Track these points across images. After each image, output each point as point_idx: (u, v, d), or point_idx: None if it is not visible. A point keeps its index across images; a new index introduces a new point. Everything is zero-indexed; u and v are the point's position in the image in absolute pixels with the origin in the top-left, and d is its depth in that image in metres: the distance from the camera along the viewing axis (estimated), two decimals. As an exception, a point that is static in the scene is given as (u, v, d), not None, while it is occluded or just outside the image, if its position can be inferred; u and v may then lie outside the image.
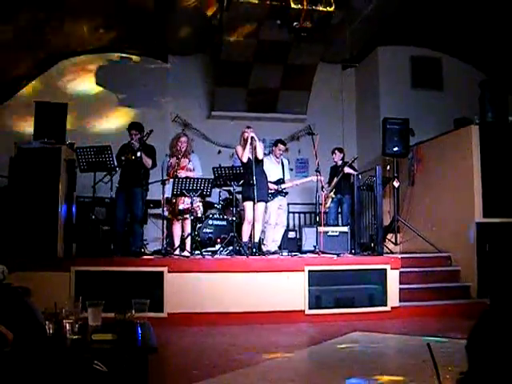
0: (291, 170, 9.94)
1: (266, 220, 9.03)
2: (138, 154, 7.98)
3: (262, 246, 8.96)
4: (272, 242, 9.08)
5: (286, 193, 9.29)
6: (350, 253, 8.60)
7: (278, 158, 9.33)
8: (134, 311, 3.73)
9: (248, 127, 8.59)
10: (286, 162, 9.54)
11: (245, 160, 8.38)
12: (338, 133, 12.55)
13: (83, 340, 3.24)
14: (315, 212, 9.12)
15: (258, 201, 8.18)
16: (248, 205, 8.34)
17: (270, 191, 8.89)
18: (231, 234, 8.28)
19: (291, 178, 9.58)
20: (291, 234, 9.90)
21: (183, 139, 8.44)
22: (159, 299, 6.85)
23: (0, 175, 8.26)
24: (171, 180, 8.02)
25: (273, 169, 9.17)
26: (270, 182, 8.95)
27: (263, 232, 9.14)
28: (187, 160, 8.39)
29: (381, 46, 11.89)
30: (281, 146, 9.35)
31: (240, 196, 8.78)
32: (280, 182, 9.16)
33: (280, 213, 9.15)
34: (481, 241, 8.26)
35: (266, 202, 8.69)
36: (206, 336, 6.32)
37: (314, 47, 11.11)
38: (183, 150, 8.34)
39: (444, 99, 11.45)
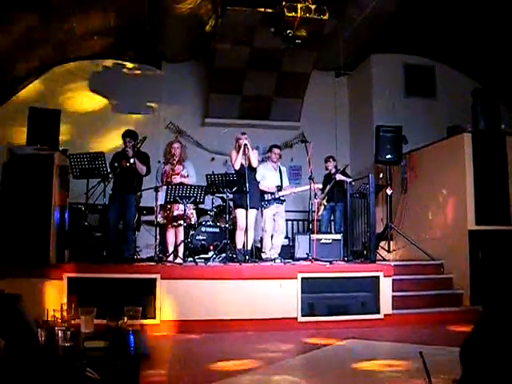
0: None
1: (262, 227, 9.02)
2: (132, 160, 7.97)
3: (262, 254, 8.95)
4: (271, 249, 9.03)
5: (284, 200, 9.22)
6: (343, 260, 8.60)
7: (274, 162, 9.26)
8: (126, 318, 3.72)
9: (243, 133, 8.59)
10: (283, 168, 9.43)
11: (237, 167, 8.40)
12: (331, 140, 12.59)
13: (75, 347, 3.23)
14: (308, 219, 9.12)
15: (249, 208, 8.17)
16: (240, 212, 8.34)
17: (267, 198, 8.89)
18: (224, 241, 8.27)
19: (289, 185, 9.51)
20: (284, 242, 9.89)
21: (176, 145, 8.43)
22: (152, 306, 6.83)
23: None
24: (164, 187, 8.01)
25: (270, 175, 9.13)
26: (267, 188, 8.96)
27: (261, 239, 9.14)
28: (181, 167, 8.39)
29: (374, 53, 11.95)
30: (275, 150, 9.26)
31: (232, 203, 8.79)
32: (278, 188, 9.10)
33: (277, 219, 9.11)
34: (473, 248, 8.28)
35: (258, 209, 8.69)
36: (199, 343, 6.30)
37: (308, 55, 11.17)
38: (177, 155, 8.34)
39: (437, 107, 11.53)
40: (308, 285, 7.36)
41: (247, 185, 8.11)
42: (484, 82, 11.14)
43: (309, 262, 8.23)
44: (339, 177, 9.78)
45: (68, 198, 8.27)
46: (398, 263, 8.62)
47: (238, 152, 8.45)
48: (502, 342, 1.86)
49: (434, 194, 9.38)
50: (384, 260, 8.93)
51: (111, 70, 11.91)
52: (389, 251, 9.63)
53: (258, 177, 8.84)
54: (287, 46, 10.00)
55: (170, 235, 8.29)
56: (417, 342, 6.18)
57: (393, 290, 7.68)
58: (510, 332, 1.87)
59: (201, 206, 8.91)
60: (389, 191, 9.82)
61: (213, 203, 10.22)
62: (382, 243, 9.67)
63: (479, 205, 8.40)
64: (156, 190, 8.15)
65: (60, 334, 3.28)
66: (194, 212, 8.48)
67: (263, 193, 8.90)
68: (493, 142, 8.64)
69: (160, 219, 8.20)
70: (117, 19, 9.99)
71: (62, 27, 9.72)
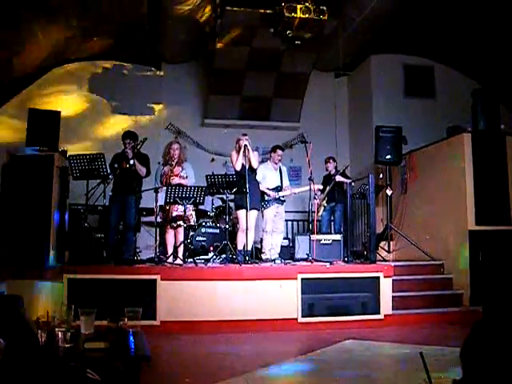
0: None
1: (263, 227, 9.01)
2: (132, 162, 7.97)
3: (262, 255, 8.94)
4: (270, 249, 8.99)
5: (284, 201, 9.19)
6: (343, 261, 8.59)
7: (276, 164, 9.23)
8: (126, 319, 3.72)
9: (244, 134, 8.57)
10: (284, 168, 9.40)
11: (238, 168, 8.38)
12: (330, 141, 12.60)
13: (76, 348, 3.23)
14: (308, 220, 9.12)
15: (250, 209, 8.16)
16: (241, 213, 8.33)
17: (267, 198, 8.89)
18: (224, 241, 8.26)
19: (289, 186, 9.46)
20: (284, 242, 9.88)
21: (175, 146, 8.43)
22: (152, 307, 6.82)
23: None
24: (164, 188, 8.01)
25: (270, 175, 9.11)
26: (268, 189, 8.95)
27: (261, 240, 9.13)
28: (180, 168, 8.38)
29: (374, 54, 11.95)
30: (279, 152, 9.23)
31: (233, 204, 8.78)
32: (278, 189, 9.10)
33: (277, 220, 9.10)
34: (473, 249, 8.28)
35: (258, 210, 8.68)
36: (199, 344, 6.30)
37: (307, 55, 11.17)
38: (176, 157, 8.33)
39: (436, 107, 11.53)
40: (308, 285, 7.37)
41: (247, 185, 8.09)
42: (483, 82, 11.14)
43: (309, 263, 8.23)
44: (338, 178, 9.77)
45: (68, 198, 8.27)
46: (398, 263, 8.63)
47: (238, 153, 8.44)
48: (502, 342, 1.86)
49: (434, 195, 9.38)
50: (384, 260, 8.93)
51: (111, 71, 11.92)
52: (389, 251, 9.63)
53: (259, 177, 8.83)
54: (287, 46, 10.01)
55: (170, 236, 8.29)
56: (417, 342, 6.19)
57: (393, 291, 7.69)
58: (510, 332, 1.87)
59: (201, 207, 8.91)
60: (389, 192, 9.83)
61: (213, 204, 10.21)
62: (382, 243, 9.68)
63: (479, 205, 8.40)
64: (156, 191, 8.14)
65: (60, 335, 3.27)
66: (194, 213, 8.48)
67: (263, 193, 8.90)
68: (492, 142, 8.64)
69: (159, 220, 8.21)
70: (116, 20, 9.98)
71: (62, 28, 9.71)
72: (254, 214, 8.46)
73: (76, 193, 8.35)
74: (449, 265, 8.75)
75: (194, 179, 8.55)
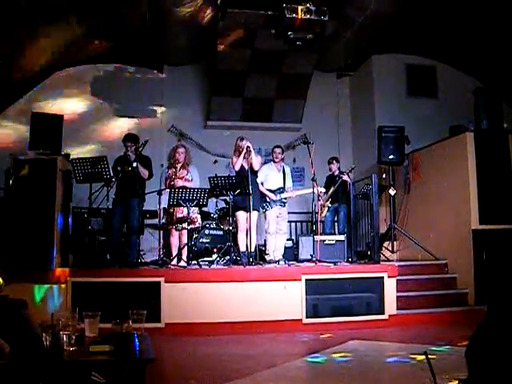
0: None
1: (266, 229, 9.00)
2: (134, 164, 7.97)
3: (266, 256, 8.93)
4: (274, 250, 8.97)
5: (285, 202, 9.12)
6: (347, 261, 8.59)
7: (276, 162, 9.18)
8: (131, 322, 3.72)
9: (241, 138, 8.55)
10: (287, 169, 9.35)
11: (237, 168, 8.35)
12: (333, 141, 12.59)
13: (80, 351, 3.23)
14: (312, 221, 9.11)
15: (251, 210, 8.13)
16: (240, 214, 8.31)
17: (268, 200, 8.87)
18: (228, 243, 8.26)
19: (292, 187, 9.39)
20: (288, 243, 9.87)
21: (181, 150, 8.44)
22: (156, 309, 6.83)
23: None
24: (167, 190, 8.01)
25: (273, 176, 9.09)
26: (270, 191, 8.93)
27: (264, 241, 9.11)
28: (186, 171, 8.39)
29: (375, 54, 11.93)
30: (276, 150, 9.18)
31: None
32: (280, 190, 9.07)
33: (280, 221, 9.08)
34: (477, 248, 8.27)
35: (259, 211, 8.65)
36: (204, 346, 6.30)
37: (309, 56, 11.16)
38: (181, 160, 8.34)
39: (439, 107, 11.50)
40: (312, 286, 7.37)
41: (250, 187, 8.07)
42: (486, 80, 11.12)
43: (313, 264, 8.22)
44: (346, 177, 9.72)
45: (71, 202, 8.27)
46: (401, 263, 8.61)
47: (238, 155, 8.39)
48: (507, 341, 1.85)
49: (437, 194, 9.36)
50: (388, 260, 8.92)
51: (113, 74, 11.93)
52: (393, 251, 9.62)
53: (261, 177, 8.82)
54: (288, 47, 10.00)
55: (174, 239, 8.29)
56: (422, 342, 6.18)
57: (397, 291, 7.69)
58: (515, 331, 1.87)
59: (204, 209, 8.90)
60: (392, 191, 9.81)
61: (216, 206, 10.20)
62: (386, 244, 9.67)
63: (483, 204, 8.39)
64: (159, 193, 8.14)
65: (65, 339, 3.28)
66: (199, 216, 8.49)
67: (264, 195, 8.87)
68: (495, 141, 8.64)
69: (163, 222, 8.21)
70: (117, 23, 9.98)
71: (63, 31, 9.72)
72: (254, 215, 8.43)
73: (79, 196, 8.35)
74: (453, 264, 8.73)
75: (199, 182, 8.54)
